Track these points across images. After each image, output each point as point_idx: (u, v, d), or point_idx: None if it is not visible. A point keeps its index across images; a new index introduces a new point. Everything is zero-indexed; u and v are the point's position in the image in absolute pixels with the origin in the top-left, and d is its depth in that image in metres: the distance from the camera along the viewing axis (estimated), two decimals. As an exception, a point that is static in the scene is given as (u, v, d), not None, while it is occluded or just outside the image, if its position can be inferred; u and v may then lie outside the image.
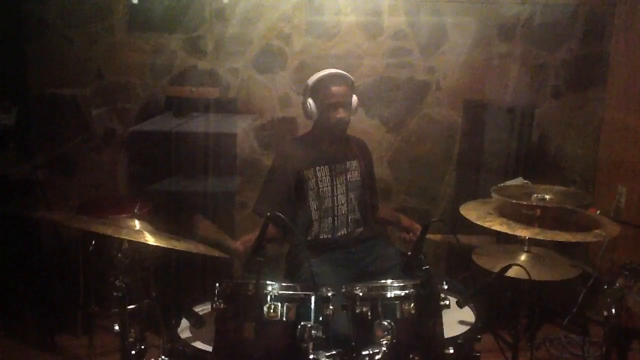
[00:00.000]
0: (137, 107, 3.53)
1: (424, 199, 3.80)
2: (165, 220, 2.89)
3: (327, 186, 2.69)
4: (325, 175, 2.69)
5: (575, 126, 3.81)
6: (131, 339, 2.11)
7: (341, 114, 2.61)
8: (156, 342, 2.63)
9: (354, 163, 2.77)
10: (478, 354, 2.18)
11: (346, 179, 2.73)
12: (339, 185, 2.71)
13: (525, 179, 3.11)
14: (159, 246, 1.92)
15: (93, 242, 2.82)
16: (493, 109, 3.64)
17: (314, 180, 2.67)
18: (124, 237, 1.77)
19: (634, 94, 3.48)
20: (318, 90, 2.62)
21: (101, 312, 3.06)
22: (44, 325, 3.28)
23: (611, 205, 3.47)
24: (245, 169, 3.62)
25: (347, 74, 2.67)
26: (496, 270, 2.11)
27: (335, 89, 2.60)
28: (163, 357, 2.09)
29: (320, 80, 2.63)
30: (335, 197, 2.71)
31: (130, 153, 3.58)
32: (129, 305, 2.04)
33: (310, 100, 2.63)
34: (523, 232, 1.93)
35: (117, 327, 2.03)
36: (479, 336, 2.16)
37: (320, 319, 1.80)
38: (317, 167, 2.68)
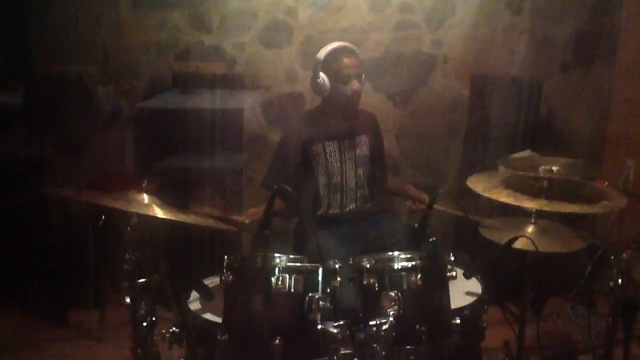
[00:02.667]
0: (143, 85, 3.53)
1: (432, 173, 3.80)
2: (173, 196, 2.91)
3: (336, 161, 2.69)
4: (335, 151, 2.69)
5: (583, 100, 3.78)
6: (142, 312, 2.14)
7: (356, 85, 2.60)
8: (166, 315, 2.67)
9: (364, 138, 2.76)
10: (485, 325, 2.20)
11: (355, 154, 2.73)
12: (347, 161, 2.71)
13: (535, 152, 3.10)
14: (168, 221, 1.93)
15: (103, 218, 2.85)
16: (500, 82, 3.61)
17: (322, 155, 2.68)
18: (133, 211, 1.78)
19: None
20: (330, 63, 2.59)
21: (112, 287, 3.10)
22: (56, 300, 3.33)
23: (620, 178, 3.46)
24: (253, 144, 3.62)
25: (355, 47, 2.65)
26: (503, 242, 2.12)
27: (347, 60, 2.58)
28: (174, 328, 2.12)
29: (331, 54, 2.59)
30: (344, 173, 2.71)
31: (137, 130, 3.59)
32: (139, 279, 2.06)
33: (322, 75, 2.59)
34: (530, 204, 1.93)
35: (128, 300, 2.06)
36: (485, 307, 2.17)
37: (328, 290, 1.82)
38: (327, 143, 2.68)
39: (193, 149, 3.44)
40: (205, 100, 3.43)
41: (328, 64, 2.59)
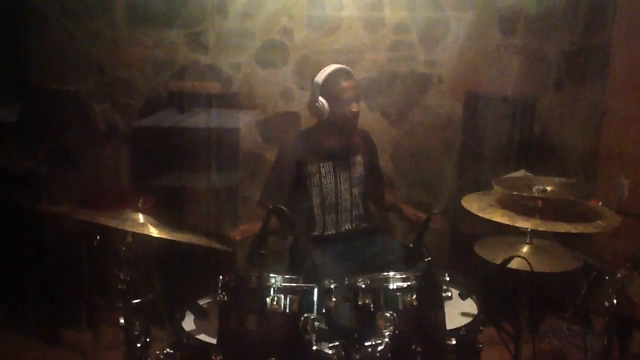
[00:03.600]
0: (139, 103, 3.53)
1: (427, 192, 3.81)
2: (168, 215, 2.91)
3: (331, 182, 2.70)
4: (329, 172, 2.70)
5: (576, 117, 3.81)
6: (136, 332, 2.13)
7: (355, 107, 2.63)
8: (161, 335, 2.65)
9: (358, 158, 2.77)
10: (480, 346, 2.20)
11: (350, 174, 2.74)
12: (342, 181, 2.72)
13: (527, 170, 3.12)
14: (163, 241, 1.93)
15: (97, 237, 2.84)
16: (494, 101, 3.63)
17: (317, 176, 2.68)
18: (128, 229, 1.78)
19: (635, 85, 3.48)
20: (329, 87, 2.61)
21: (105, 306, 3.08)
22: (48, 319, 3.29)
23: (614, 196, 3.47)
24: (248, 163, 3.62)
25: (351, 69, 2.68)
26: (498, 261, 2.12)
27: (346, 84, 2.61)
28: (168, 349, 2.11)
29: (329, 77, 2.61)
30: (339, 193, 2.71)
31: (133, 148, 3.58)
32: (134, 299, 2.06)
33: (321, 99, 2.61)
34: (524, 224, 1.93)
35: (122, 321, 2.05)
36: (481, 327, 2.18)
37: (323, 310, 1.81)
38: (321, 163, 2.69)
39: (188, 167, 3.44)
40: (201, 119, 3.43)
41: (327, 88, 2.61)
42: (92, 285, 3.11)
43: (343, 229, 2.72)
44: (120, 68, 3.50)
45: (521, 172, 3.03)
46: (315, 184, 2.68)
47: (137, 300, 2.21)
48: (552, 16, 3.68)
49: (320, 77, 2.62)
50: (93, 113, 3.54)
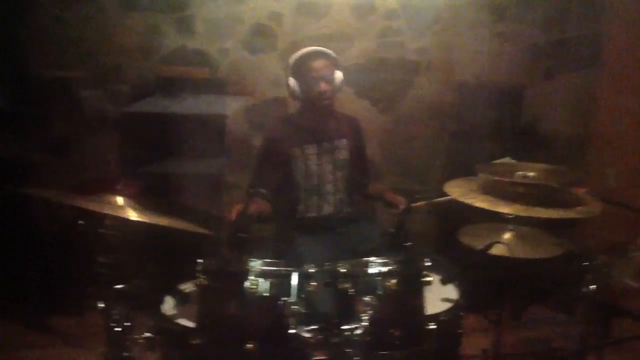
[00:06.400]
0: (127, 88, 3.51)
1: (415, 180, 3.80)
2: (155, 201, 2.90)
3: (314, 164, 2.70)
4: (313, 154, 2.70)
5: (567, 106, 3.80)
6: (116, 317, 2.12)
7: (323, 87, 2.61)
8: (146, 321, 2.65)
9: (344, 142, 2.77)
10: (461, 331, 2.20)
11: (334, 157, 2.74)
12: (326, 164, 2.72)
13: (516, 159, 3.11)
14: (148, 225, 1.92)
15: (80, 222, 2.83)
16: (484, 89, 3.63)
17: (301, 158, 2.68)
18: (106, 212, 1.77)
19: (627, 75, 3.47)
20: (298, 67, 2.64)
21: (93, 292, 3.06)
22: (38, 306, 3.28)
23: (601, 185, 3.47)
24: (236, 149, 3.60)
25: (329, 51, 2.68)
26: (480, 248, 2.12)
27: (314, 63, 2.62)
28: (148, 333, 2.11)
29: (300, 58, 2.64)
30: (322, 176, 2.71)
31: (121, 134, 3.57)
32: (118, 285, 2.05)
33: (292, 79, 2.64)
34: (505, 209, 1.93)
35: (101, 305, 2.04)
36: (461, 313, 2.18)
37: (302, 295, 1.81)
38: (305, 146, 2.69)
39: (176, 153, 3.42)
40: (189, 106, 3.41)
41: (296, 68, 2.65)
42: (80, 272, 3.10)
43: (325, 213, 2.72)
44: (110, 54, 3.48)
45: (506, 159, 3.02)
46: (299, 165, 2.68)
47: (121, 286, 2.21)
48: (544, 5, 3.66)
49: (292, 58, 2.67)
50: (82, 99, 3.52)
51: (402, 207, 2.56)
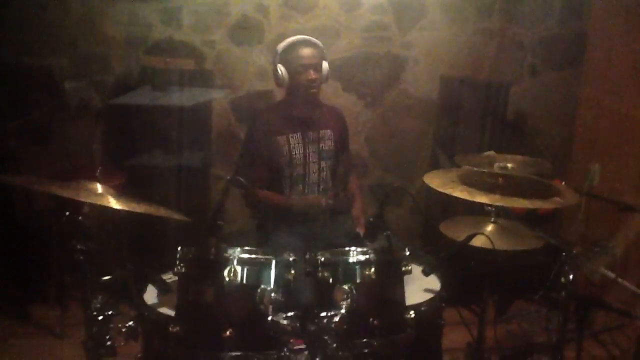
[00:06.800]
0: (111, 78, 3.49)
1: (401, 175, 3.81)
2: (139, 192, 2.89)
3: (299, 153, 2.70)
4: (298, 143, 2.70)
5: (551, 103, 3.83)
6: (98, 305, 2.11)
7: (312, 75, 2.62)
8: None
9: (328, 132, 2.77)
10: (442, 322, 2.20)
11: (319, 147, 2.74)
12: (311, 153, 2.72)
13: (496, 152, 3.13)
14: (129, 213, 1.91)
15: (67, 214, 2.81)
16: (469, 85, 3.64)
17: (286, 146, 2.68)
18: (82, 200, 1.76)
19: (610, 73, 3.50)
20: (286, 55, 2.64)
21: (73, 282, 3.05)
22: (17, 295, 3.27)
23: (585, 181, 3.50)
24: (221, 141, 3.60)
25: (317, 41, 2.69)
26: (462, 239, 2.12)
27: (303, 51, 2.63)
28: (130, 322, 2.09)
29: (289, 45, 2.65)
30: (307, 165, 2.71)
31: (105, 125, 3.55)
32: (100, 274, 2.04)
33: (280, 66, 2.64)
34: (482, 199, 1.94)
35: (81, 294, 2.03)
36: (443, 304, 2.18)
37: (281, 283, 1.81)
38: (290, 134, 2.69)
39: (160, 145, 3.41)
40: (174, 97, 3.41)
41: (285, 56, 2.64)
42: (60, 261, 3.08)
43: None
44: (94, 43, 3.46)
45: (490, 153, 3.04)
46: (285, 154, 2.68)
47: (104, 278, 2.20)
48: (530, 2, 3.69)
49: (280, 45, 2.67)
50: (64, 88, 3.49)
51: (358, 231, 2.61)
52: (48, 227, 3.11)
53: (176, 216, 1.98)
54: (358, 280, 1.83)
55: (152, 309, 2.07)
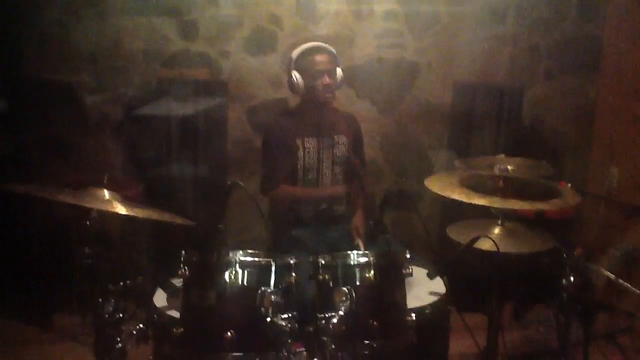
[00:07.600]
0: (130, 92, 3.57)
1: (415, 181, 3.81)
2: (156, 203, 2.95)
3: (313, 158, 2.74)
4: (313, 147, 2.74)
5: (567, 107, 3.79)
6: (110, 308, 2.16)
7: (327, 80, 2.66)
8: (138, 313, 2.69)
9: (342, 138, 2.81)
10: (449, 326, 2.20)
11: (333, 152, 2.77)
12: (325, 159, 2.76)
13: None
14: (136, 219, 1.96)
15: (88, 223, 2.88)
16: (484, 90, 3.63)
17: (301, 150, 2.72)
18: (88, 205, 1.82)
19: (626, 76, 3.46)
20: (301, 61, 2.68)
21: (86, 287, 3.12)
22: (42, 303, 3.34)
23: (603, 185, 3.46)
24: (237, 150, 3.65)
25: (330, 47, 2.73)
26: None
27: (317, 57, 2.67)
28: (140, 326, 2.15)
29: (303, 52, 2.69)
30: (320, 170, 2.75)
31: (125, 137, 3.63)
32: (113, 280, 2.09)
33: (294, 72, 2.68)
34: (481, 201, 1.94)
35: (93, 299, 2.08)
36: (449, 307, 2.18)
37: (281, 285, 1.84)
38: (305, 138, 2.73)
39: (177, 156, 3.48)
40: (191, 108, 3.47)
41: (299, 62, 2.69)
42: (73, 267, 3.15)
43: (321, 207, 2.75)
44: (112, 58, 3.55)
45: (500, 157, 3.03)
46: (299, 158, 2.72)
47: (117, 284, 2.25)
48: (544, 6, 3.67)
49: (294, 53, 2.71)
50: (85, 102, 3.58)
51: (356, 243, 2.62)
52: (69, 236, 3.18)
53: (179, 221, 2.03)
54: (358, 283, 1.85)
55: (161, 312, 2.13)
